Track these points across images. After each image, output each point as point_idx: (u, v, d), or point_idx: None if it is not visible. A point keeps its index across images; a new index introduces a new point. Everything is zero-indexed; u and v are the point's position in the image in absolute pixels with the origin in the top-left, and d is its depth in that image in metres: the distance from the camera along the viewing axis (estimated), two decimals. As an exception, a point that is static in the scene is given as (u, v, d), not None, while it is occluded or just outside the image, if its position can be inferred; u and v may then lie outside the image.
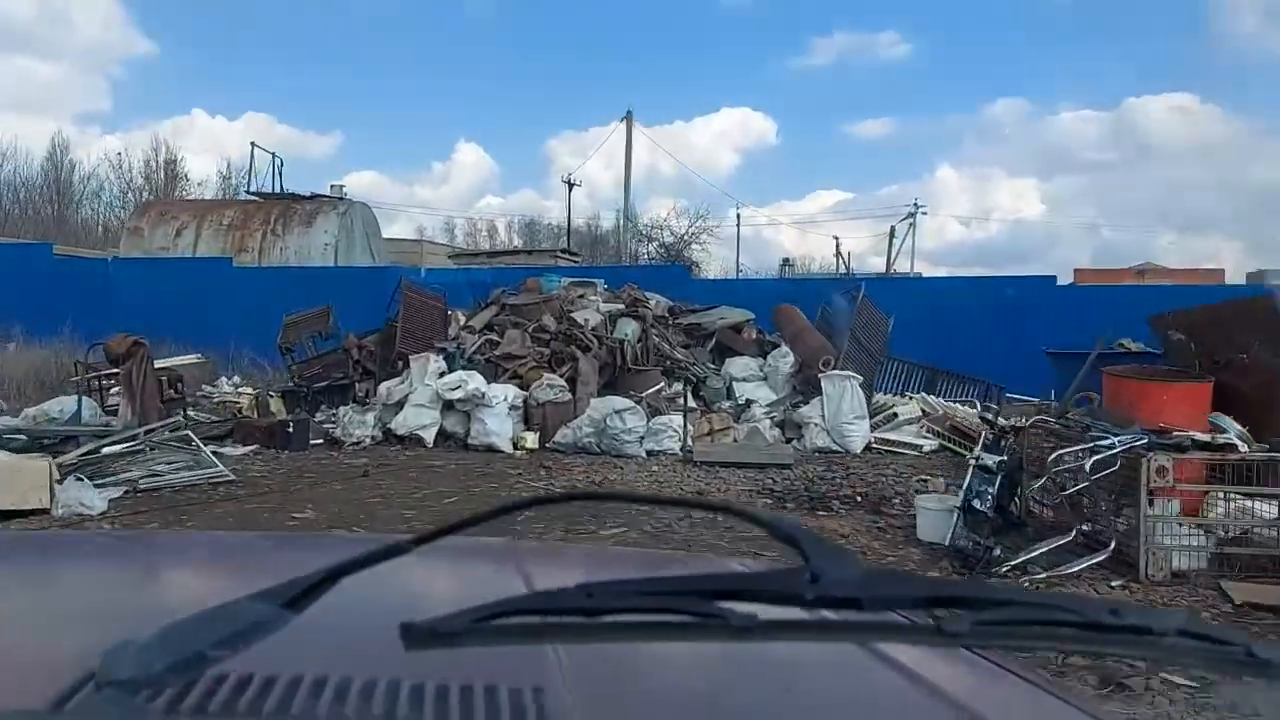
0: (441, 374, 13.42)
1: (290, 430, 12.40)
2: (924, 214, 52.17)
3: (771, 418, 13.48)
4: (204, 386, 18.75)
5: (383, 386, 13.53)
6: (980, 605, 0.80)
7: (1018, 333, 19.26)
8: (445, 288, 20.26)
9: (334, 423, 13.40)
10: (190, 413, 14.21)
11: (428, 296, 15.42)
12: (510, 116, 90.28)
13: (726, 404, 13.92)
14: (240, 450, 12.27)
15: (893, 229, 45.62)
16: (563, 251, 29.65)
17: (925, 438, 13.13)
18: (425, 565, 1.47)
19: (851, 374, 13.43)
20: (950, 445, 13.02)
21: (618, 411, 12.63)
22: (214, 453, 11.02)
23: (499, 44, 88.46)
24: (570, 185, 43.09)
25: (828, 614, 0.79)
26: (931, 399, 14.47)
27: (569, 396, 13.31)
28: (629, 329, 14.59)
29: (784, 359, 14.15)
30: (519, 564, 1.64)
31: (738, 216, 42.36)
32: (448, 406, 13.08)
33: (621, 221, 36.99)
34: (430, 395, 13.02)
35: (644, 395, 13.46)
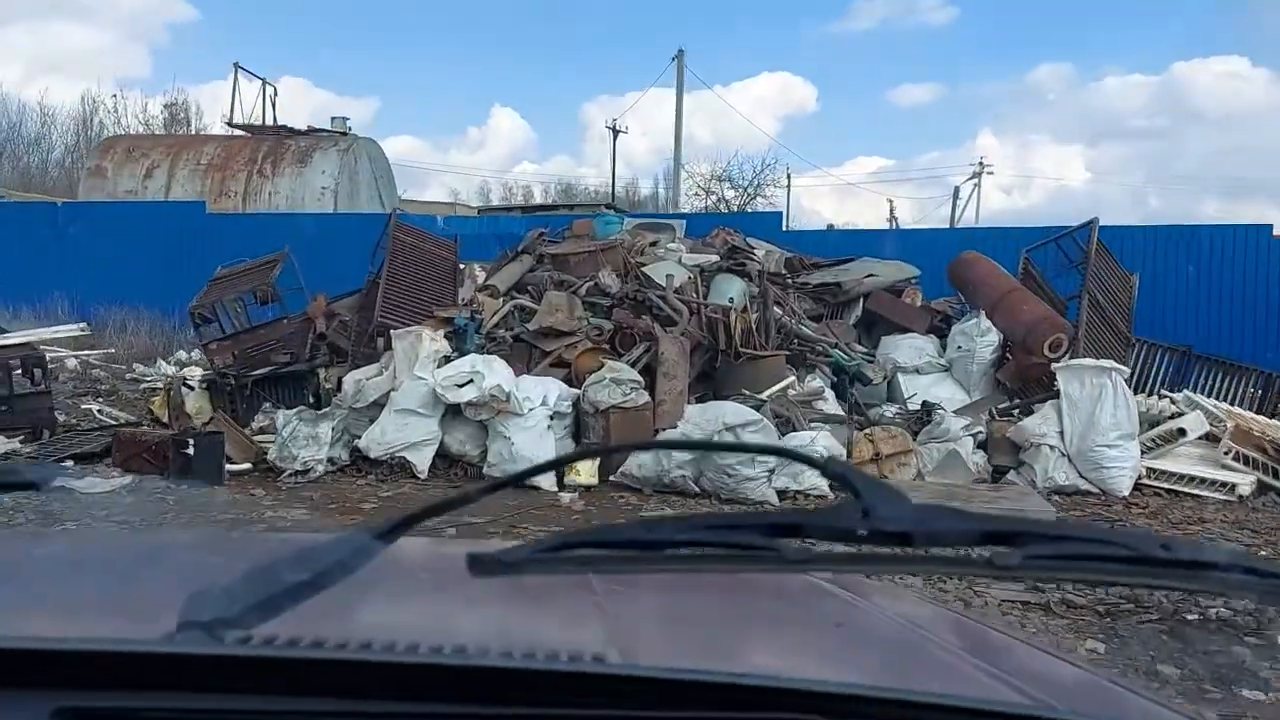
0: (444, 359, 8.42)
1: (190, 451, 7.45)
2: (990, 173, 46.75)
3: (975, 435, 8.33)
4: (137, 367, 13.92)
5: (349, 379, 8.54)
6: (1032, 540, 0.80)
7: (1233, 293, 14.09)
8: (467, 240, 15.38)
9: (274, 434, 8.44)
10: (63, 417, 9.34)
11: (429, 241, 10.40)
12: (546, 81, 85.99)
13: (890, 409, 8.77)
14: (108, 484, 7.37)
15: (957, 189, 40.69)
16: (607, 207, 24.52)
17: (1235, 469, 7.94)
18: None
19: (1113, 364, 8.22)
20: (1276, 482, 7.86)
21: (731, 427, 7.56)
22: (64, 488, 6.22)
23: (535, 7, 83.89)
24: (615, 132, 37.89)
25: (881, 549, 0.78)
26: (1203, 400, 9.22)
27: (645, 398, 8.27)
28: (733, 290, 9.47)
29: (983, 337, 8.95)
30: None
31: (788, 177, 36.62)
32: (453, 412, 8.11)
33: (675, 169, 31.58)
34: (423, 395, 8.03)
35: (766, 395, 8.37)
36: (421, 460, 8.00)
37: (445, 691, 0.74)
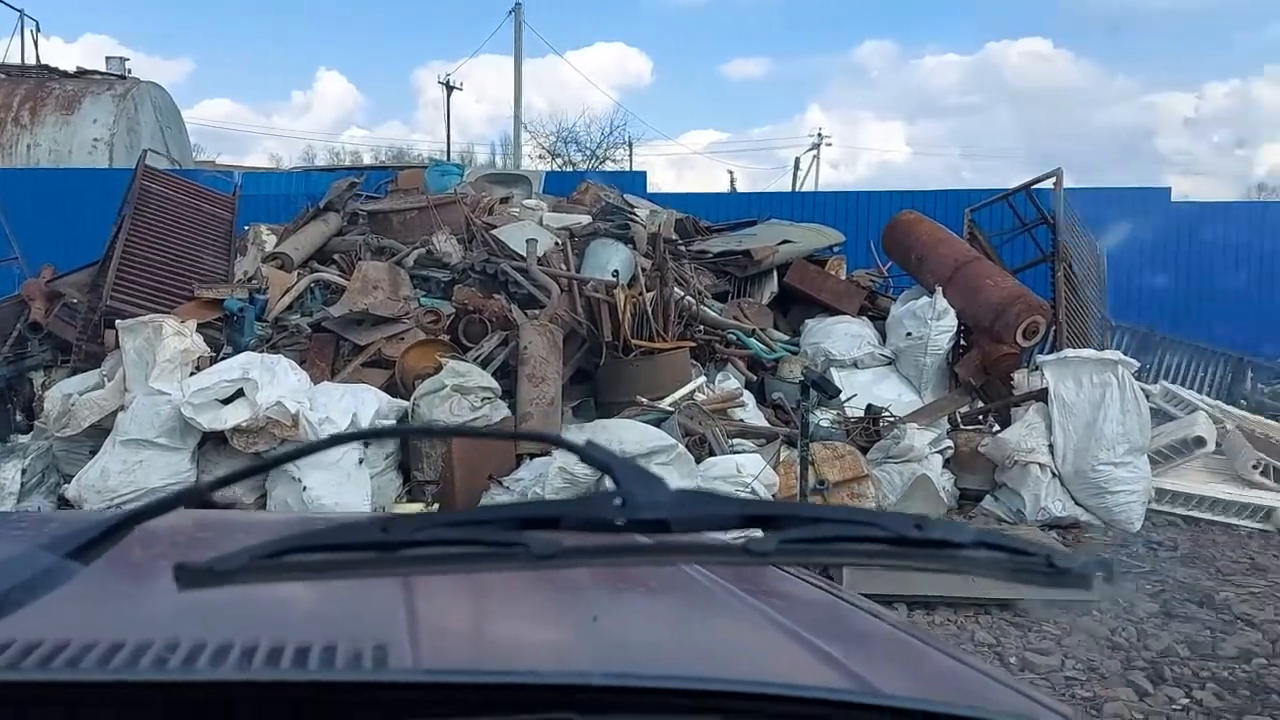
0: (201, 361, 5.75)
1: None
2: (828, 145, 46.44)
3: (942, 451, 6.30)
4: None
5: (53, 394, 5.72)
6: (791, 524, 0.80)
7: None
8: (273, 202, 12.47)
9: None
10: None
11: (194, 195, 7.57)
12: (375, 45, 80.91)
13: (825, 417, 6.61)
14: None
15: (797, 159, 40.33)
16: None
17: (1266, 486, 6.21)
18: (224, 536, 1.38)
19: (1119, 356, 6.33)
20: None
21: (632, 458, 5.20)
22: None
23: None
24: (449, 88, 34.46)
25: (639, 538, 0.77)
26: (1191, 395, 7.51)
27: (504, 412, 5.85)
28: (617, 260, 7.10)
29: (938, 321, 6.91)
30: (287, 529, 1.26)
31: (629, 145, 34.35)
32: (216, 440, 5.48)
33: (515, 127, 28.71)
34: (165, 417, 5.35)
35: (670, 403, 6.09)
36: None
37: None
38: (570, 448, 0.89)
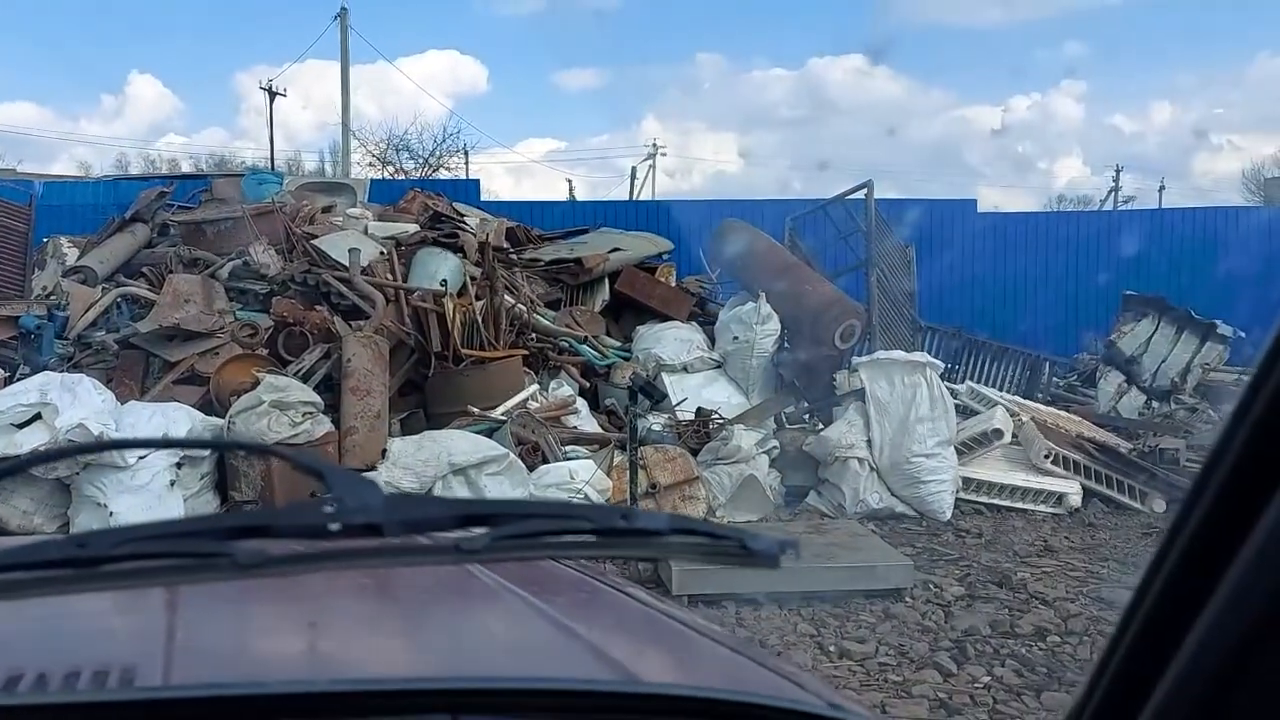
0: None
1: None
2: (664, 154, 47.50)
3: (768, 451, 6.52)
4: None
5: None
6: (504, 521, 0.81)
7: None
8: (80, 212, 11.69)
9: None
10: None
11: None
12: (192, 47, 77.05)
13: (657, 421, 6.74)
14: None
15: (634, 169, 41.05)
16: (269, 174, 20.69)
17: (1055, 473, 6.71)
18: None
19: (926, 358, 6.71)
20: (1100, 487, 6.72)
21: (462, 469, 5.21)
22: None
23: None
24: (272, 94, 33.06)
25: (351, 543, 0.77)
26: (991, 392, 8.05)
27: (327, 426, 5.68)
28: (445, 270, 7.01)
29: (763, 325, 7.14)
30: None
31: (465, 153, 33.76)
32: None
33: (344, 133, 27.83)
34: (-50, 444, 4.95)
35: (501, 412, 6.07)
36: (-47, 549, 4.91)
37: None
38: (280, 455, 0.95)
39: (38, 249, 7.50)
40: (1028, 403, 8.07)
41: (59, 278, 6.81)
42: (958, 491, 6.55)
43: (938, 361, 6.68)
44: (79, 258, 7.24)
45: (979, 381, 8.81)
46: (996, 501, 6.65)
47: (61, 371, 5.65)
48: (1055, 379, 9.33)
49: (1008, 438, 6.83)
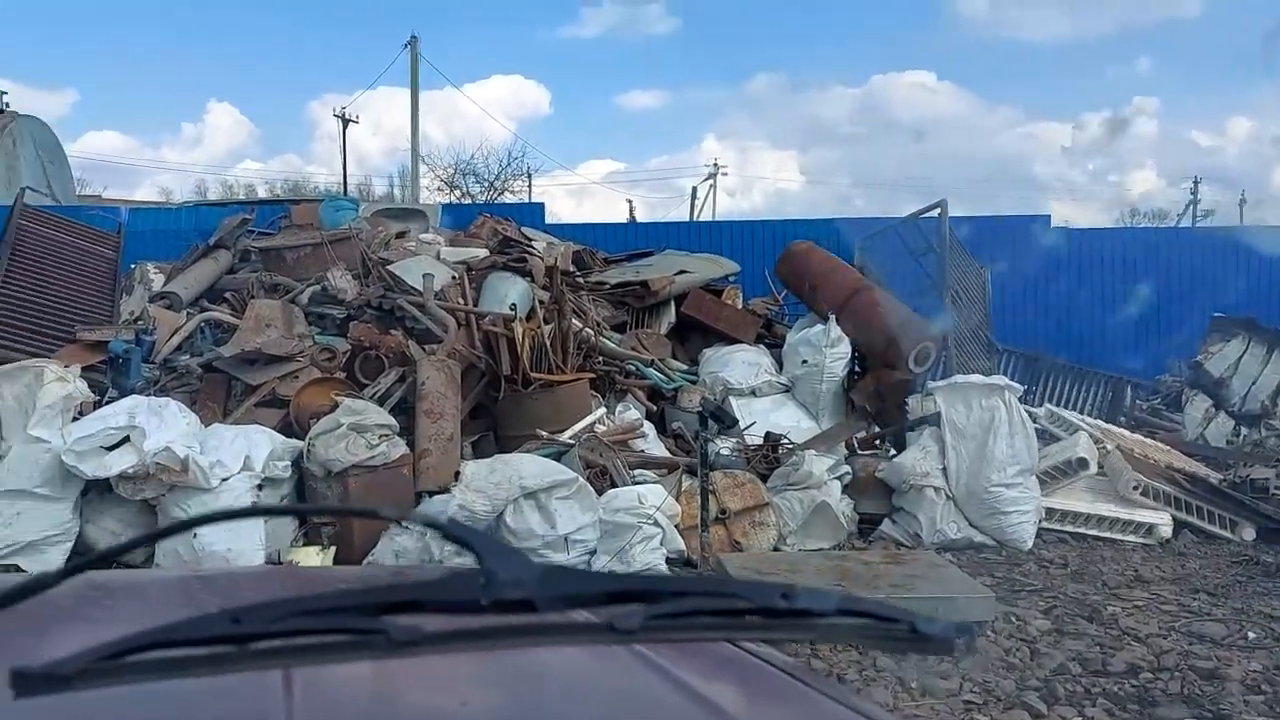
0: (84, 407, 5.53)
1: None
2: (724, 174, 47.34)
3: (841, 477, 6.43)
4: None
5: (-81, 444, 5.43)
6: (657, 598, 0.78)
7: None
8: (163, 238, 12.03)
9: None
10: None
11: (75, 234, 7.30)
12: (268, 77, 79.80)
13: (725, 446, 6.69)
14: None
15: (694, 189, 40.98)
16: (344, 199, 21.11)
17: (1143, 504, 6.49)
18: (94, 604, 1.36)
19: (1005, 381, 6.57)
20: (1190, 517, 6.49)
21: (532, 492, 5.22)
22: None
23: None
24: (345, 121, 33.95)
25: (504, 619, 0.75)
26: (1072, 415, 7.84)
27: (401, 449, 5.76)
28: (514, 293, 7.09)
29: (833, 349, 7.07)
30: (206, 593, 1.52)
31: (528, 175, 34.10)
32: (100, 489, 5.27)
33: (413, 158, 28.39)
34: (46, 466, 5.14)
35: (570, 435, 6.09)
36: (45, 568, 5.06)
37: None
38: (434, 525, 0.91)
39: (125, 275, 7.75)
40: (1111, 428, 7.85)
41: (145, 303, 7.03)
42: (1040, 521, 6.39)
43: (1016, 385, 6.52)
44: (164, 283, 7.47)
45: (1059, 405, 8.61)
46: (1082, 530, 6.46)
47: (148, 395, 5.81)
48: (1138, 402, 9.05)
49: (1093, 469, 6.63)
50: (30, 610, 0.83)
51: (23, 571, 5.02)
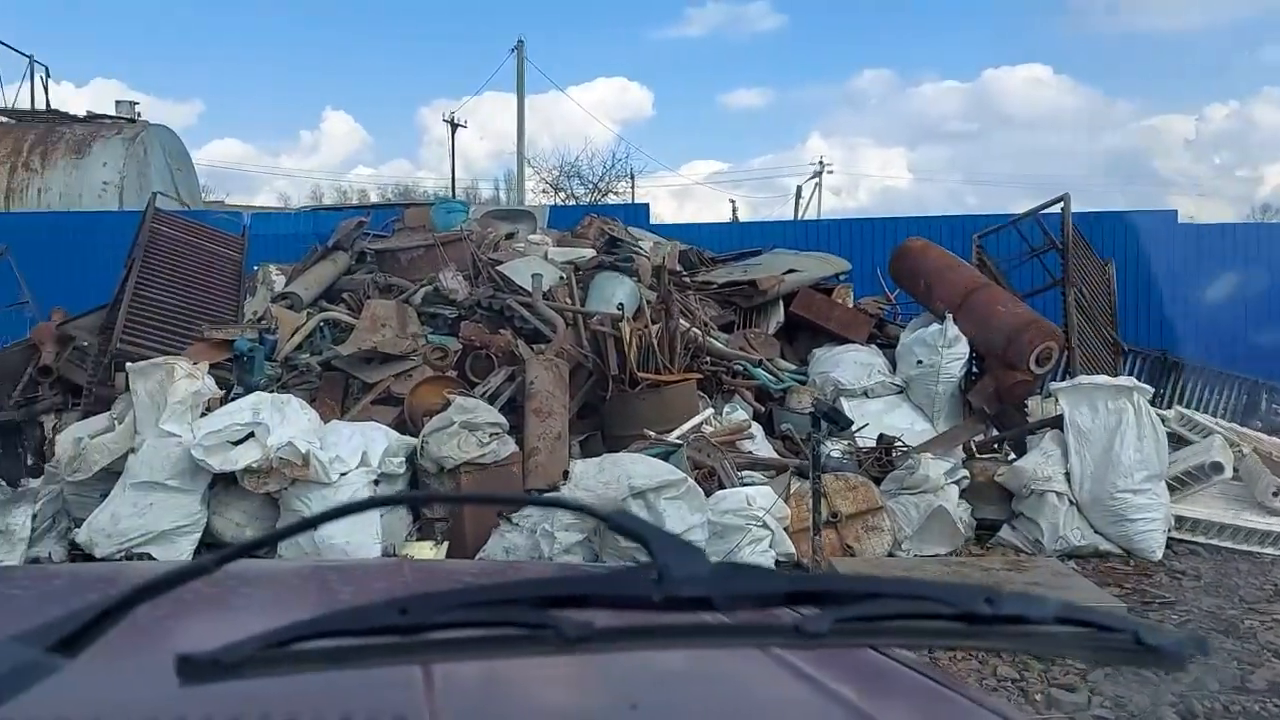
0: (211, 403, 5.74)
1: None
2: (830, 173, 46.42)
3: (958, 481, 6.23)
4: None
5: (65, 437, 5.74)
6: (843, 600, 0.73)
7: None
8: (282, 242, 12.46)
9: (-51, 525, 5.53)
10: None
11: (203, 236, 7.61)
12: (380, 85, 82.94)
13: (836, 448, 6.56)
14: None
15: (799, 188, 40.33)
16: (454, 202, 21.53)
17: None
18: (233, 593, 1.33)
19: (1133, 382, 6.28)
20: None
21: (641, 492, 5.20)
22: None
23: (366, 8, 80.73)
24: (454, 125, 34.75)
25: (679, 616, 0.71)
26: (1205, 419, 7.44)
27: (511, 447, 5.81)
28: (622, 293, 7.10)
29: (949, 349, 6.87)
30: (341, 583, 1.51)
31: (631, 177, 34.17)
32: (226, 482, 5.46)
33: (519, 162, 28.83)
34: (176, 460, 5.35)
35: (677, 436, 6.06)
36: (175, 557, 5.28)
37: None
38: (600, 516, 0.83)
39: (249, 276, 8.04)
40: (1247, 431, 7.43)
41: (268, 303, 7.28)
42: (1170, 530, 6.08)
43: (1145, 386, 6.22)
44: (286, 284, 7.73)
45: (1191, 408, 8.19)
46: (1215, 542, 6.12)
47: (271, 392, 6.00)
48: (1274, 406, 8.55)
49: (1228, 472, 6.27)
50: (179, 597, 0.83)
51: (154, 560, 5.25)
